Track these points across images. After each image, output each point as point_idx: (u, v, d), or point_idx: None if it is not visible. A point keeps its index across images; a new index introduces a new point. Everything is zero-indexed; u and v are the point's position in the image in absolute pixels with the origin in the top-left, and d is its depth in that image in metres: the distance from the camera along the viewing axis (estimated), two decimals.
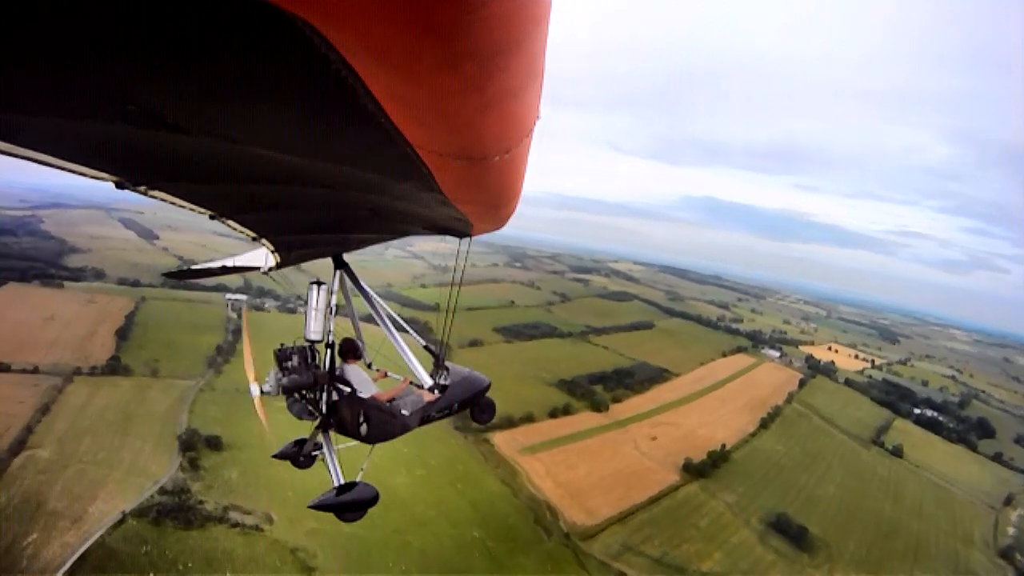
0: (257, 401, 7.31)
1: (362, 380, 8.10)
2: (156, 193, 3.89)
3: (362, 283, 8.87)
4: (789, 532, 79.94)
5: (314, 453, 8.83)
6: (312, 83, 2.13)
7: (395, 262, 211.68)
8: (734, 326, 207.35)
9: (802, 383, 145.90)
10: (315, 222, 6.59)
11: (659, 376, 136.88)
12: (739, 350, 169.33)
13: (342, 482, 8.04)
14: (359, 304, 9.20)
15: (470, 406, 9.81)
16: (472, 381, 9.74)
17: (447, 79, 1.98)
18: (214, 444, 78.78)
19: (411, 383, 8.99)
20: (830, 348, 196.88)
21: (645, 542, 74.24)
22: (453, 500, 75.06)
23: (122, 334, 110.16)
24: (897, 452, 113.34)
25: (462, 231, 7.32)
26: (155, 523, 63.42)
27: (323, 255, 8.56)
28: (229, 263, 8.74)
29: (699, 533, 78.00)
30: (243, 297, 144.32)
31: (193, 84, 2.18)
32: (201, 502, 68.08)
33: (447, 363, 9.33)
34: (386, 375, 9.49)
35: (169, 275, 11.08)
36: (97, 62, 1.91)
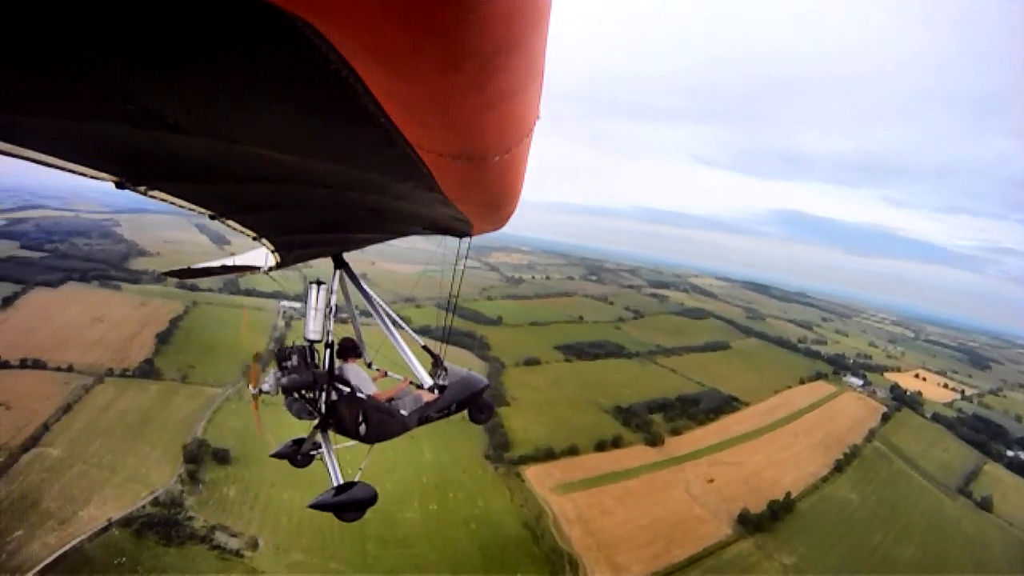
0: (254, 404, 7.50)
1: (361, 380, 8.12)
2: (156, 193, 3.92)
3: (362, 283, 8.92)
4: None
5: (312, 453, 8.81)
6: (312, 83, 2.19)
7: (467, 272, 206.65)
8: (815, 348, 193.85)
9: (885, 417, 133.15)
10: (315, 222, 6.63)
11: (727, 405, 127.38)
12: (819, 376, 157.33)
13: (341, 482, 7.97)
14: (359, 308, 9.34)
15: (468, 406, 9.79)
16: (470, 381, 9.76)
17: (447, 79, 2.03)
18: (221, 457, 78.11)
19: (411, 383, 9.08)
20: (917, 375, 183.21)
21: None
22: (463, 543, 69.49)
23: (162, 338, 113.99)
24: (986, 504, 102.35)
25: (462, 231, 7.43)
26: (137, 535, 62.71)
27: (323, 255, 8.65)
28: (229, 263, 8.84)
29: None
30: (297, 305, 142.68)
31: (193, 84, 2.26)
32: (190, 518, 67.46)
33: (446, 363, 9.35)
34: (386, 375, 9.57)
35: (169, 274, 10.37)
36: (97, 62, 1.99)
